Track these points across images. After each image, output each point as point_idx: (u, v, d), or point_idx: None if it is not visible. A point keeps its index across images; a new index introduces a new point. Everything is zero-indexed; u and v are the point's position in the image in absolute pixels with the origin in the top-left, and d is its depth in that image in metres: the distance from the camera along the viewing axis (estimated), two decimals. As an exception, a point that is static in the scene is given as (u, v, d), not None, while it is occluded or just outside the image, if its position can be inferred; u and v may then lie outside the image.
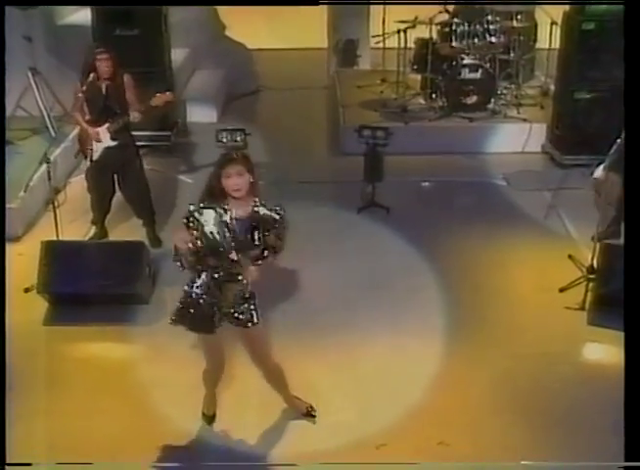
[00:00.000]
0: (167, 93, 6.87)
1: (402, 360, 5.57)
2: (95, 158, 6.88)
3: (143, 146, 7.60)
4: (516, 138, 9.39)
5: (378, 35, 10.33)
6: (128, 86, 6.76)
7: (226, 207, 4.36)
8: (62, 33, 9.78)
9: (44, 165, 6.94)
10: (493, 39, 9.54)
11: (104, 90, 6.70)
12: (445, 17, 9.76)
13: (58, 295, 6.23)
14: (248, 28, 12.48)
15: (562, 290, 6.35)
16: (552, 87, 9.77)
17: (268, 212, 4.40)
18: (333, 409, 5.08)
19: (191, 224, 4.37)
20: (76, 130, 7.68)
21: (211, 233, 4.34)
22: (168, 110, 8.16)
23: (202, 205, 4.37)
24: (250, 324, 4.62)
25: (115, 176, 7.09)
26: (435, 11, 9.69)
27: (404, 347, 5.69)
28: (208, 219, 4.35)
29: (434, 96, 9.94)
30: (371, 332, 5.86)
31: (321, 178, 8.71)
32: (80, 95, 6.66)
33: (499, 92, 9.88)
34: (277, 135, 9.84)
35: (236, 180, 4.31)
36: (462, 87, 9.63)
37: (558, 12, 9.12)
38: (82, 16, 9.72)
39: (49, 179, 6.76)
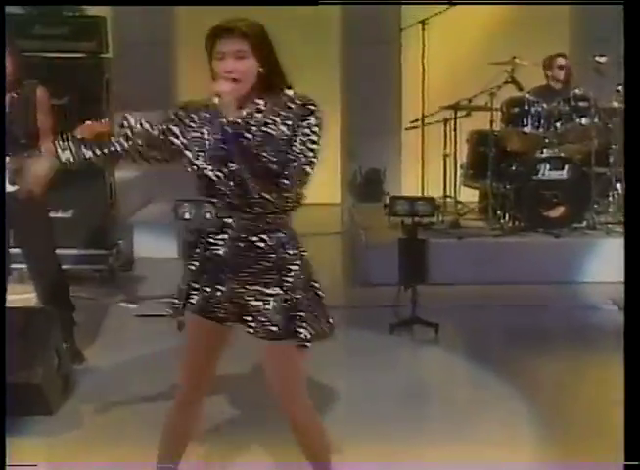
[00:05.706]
0: (103, 121, 5.90)
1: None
2: None
3: (65, 270, 6.83)
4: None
5: (414, 122, 9.47)
6: (41, 105, 6.07)
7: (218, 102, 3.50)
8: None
9: None
10: (584, 121, 8.90)
11: (7, 108, 6.02)
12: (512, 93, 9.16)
13: None
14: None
15: None
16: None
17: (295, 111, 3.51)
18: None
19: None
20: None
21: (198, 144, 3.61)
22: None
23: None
24: (270, 336, 3.63)
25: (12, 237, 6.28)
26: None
27: (475, 455, 5.25)
28: (196, 121, 3.63)
29: (498, 213, 8.91)
30: (420, 442, 5.46)
31: (340, 305, 8.00)
32: None
33: (596, 203, 9.10)
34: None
35: (230, 64, 3.49)
36: (541, 193, 8.88)
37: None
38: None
39: None
